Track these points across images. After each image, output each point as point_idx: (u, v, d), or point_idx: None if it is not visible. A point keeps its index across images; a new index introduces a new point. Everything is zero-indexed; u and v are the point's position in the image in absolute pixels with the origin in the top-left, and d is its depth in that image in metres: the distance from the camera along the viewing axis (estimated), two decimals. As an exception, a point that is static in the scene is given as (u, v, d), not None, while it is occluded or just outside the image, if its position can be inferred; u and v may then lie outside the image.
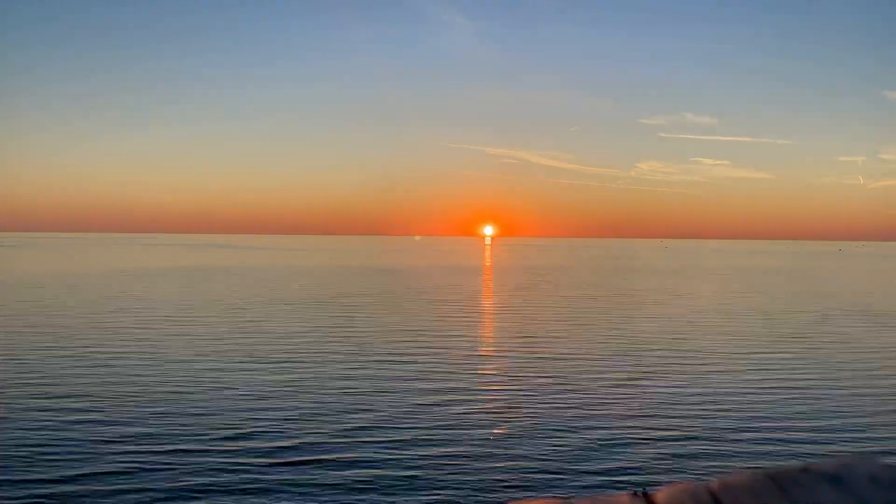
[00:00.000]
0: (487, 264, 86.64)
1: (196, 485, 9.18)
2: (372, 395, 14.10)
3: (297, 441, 11.03)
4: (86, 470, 9.64)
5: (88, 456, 10.19)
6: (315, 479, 9.49)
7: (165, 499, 8.76)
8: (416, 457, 10.41)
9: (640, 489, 0.75)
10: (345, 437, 11.34)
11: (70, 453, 10.29)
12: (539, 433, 11.68)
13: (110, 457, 10.15)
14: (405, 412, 12.88)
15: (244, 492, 9.02)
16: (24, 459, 10.00)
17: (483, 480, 9.54)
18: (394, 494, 9.04)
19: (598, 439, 11.37)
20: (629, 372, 16.90)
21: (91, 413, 12.46)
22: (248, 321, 25.72)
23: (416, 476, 9.65)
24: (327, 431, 11.58)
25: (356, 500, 8.87)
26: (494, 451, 10.76)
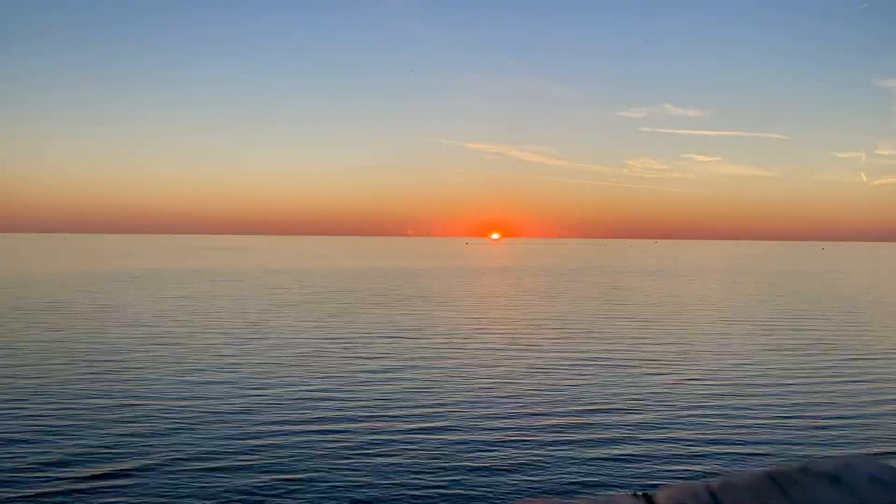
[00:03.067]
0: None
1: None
2: (372, 396, 14.08)
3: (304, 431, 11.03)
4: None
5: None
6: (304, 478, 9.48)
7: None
8: (416, 458, 10.41)
9: (641, 490, 0.75)
10: (345, 438, 11.33)
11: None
12: (539, 434, 11.67)
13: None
14: (405, 412, 12.87)
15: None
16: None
17: (484, 481, 9.54)
18: (392, 495, 9.03)
19: (599, 440, 11.37)
20: (627, 372, 16.90)
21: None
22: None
23: (415, 476, 9.64)
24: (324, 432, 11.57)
25: (350, 499, 8.87)
26: (495, 451, 10.75)
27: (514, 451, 10.80)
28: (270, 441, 11.07)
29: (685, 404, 13.79)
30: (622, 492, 0.80)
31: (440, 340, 21.92)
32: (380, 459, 10.30)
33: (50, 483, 9.27)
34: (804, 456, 10.81)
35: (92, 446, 10.70)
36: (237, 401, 13.59)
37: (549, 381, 15.77)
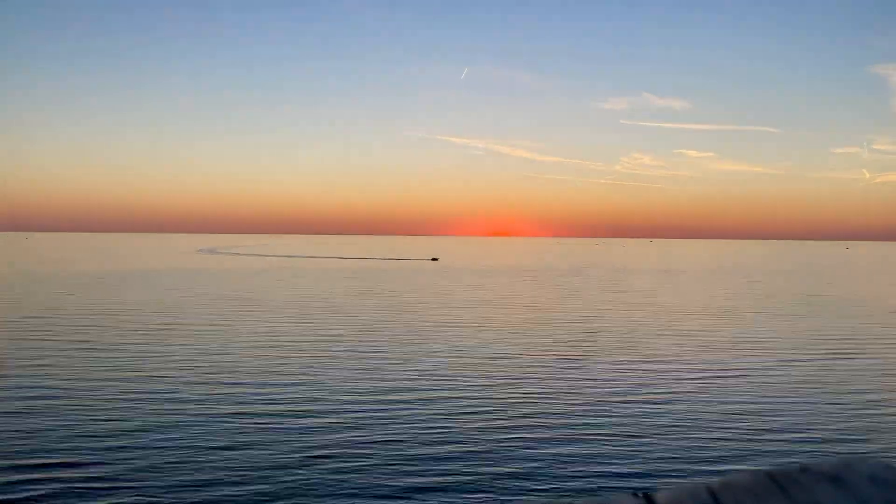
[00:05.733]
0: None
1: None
2: (365, 394, 14.06)
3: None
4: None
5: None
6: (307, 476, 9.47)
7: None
8: (418, 458, 10.40)
9: (641, 490, 0.75)
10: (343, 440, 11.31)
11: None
12: (540, 435, 11.67)
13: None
14: (405, 413, 12.87)
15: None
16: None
17: (485, 481, 9.53)
18: (393, 495, 9.02)
19: (600, 441, 11.36)
20: (627, 374, 16.89)
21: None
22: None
23: (418, 476, 9.64)
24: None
25: (355, 498, 8.86)
26: (497, 452, 10.75)
27: (516, 451, 10.79)
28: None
29: (686, 404, 13.78)
30: (623, 492, 0.80)
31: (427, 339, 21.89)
32: (356, 435, 10.28)
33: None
34: (803, 455, 10.82)
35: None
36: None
37: (546, 379, 15.76)
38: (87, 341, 21.33)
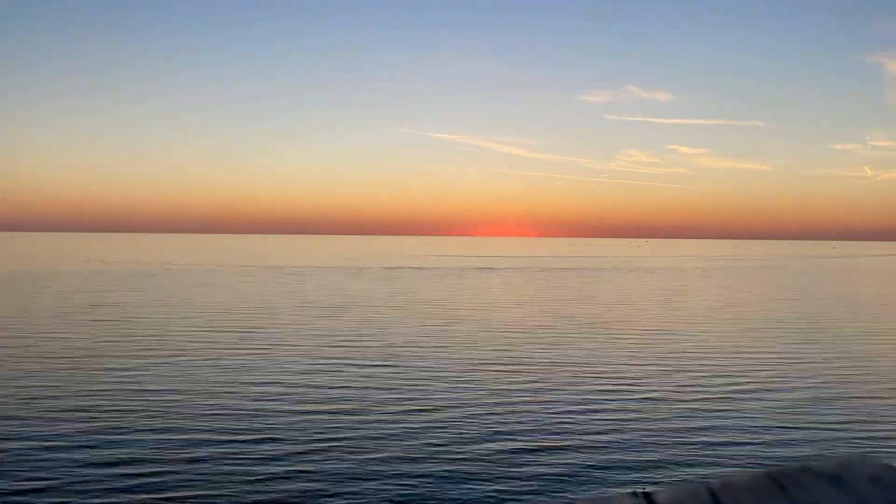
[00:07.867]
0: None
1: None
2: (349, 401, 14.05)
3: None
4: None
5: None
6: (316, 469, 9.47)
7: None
8: (417, 459, 10.39)
9: (641, 489, 0.75)
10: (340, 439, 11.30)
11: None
12: (540, 435, 11.65)
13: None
14: (401, 414, 12.85)
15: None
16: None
17: (485, 482, 9.52)
18: (392, 495, 9.02)
19: (599, 440, 11.35)
20: (626, 373, 16.88)
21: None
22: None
23: (416, 481, 9.63)
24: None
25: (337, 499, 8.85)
26: (495, 452, 10.74)
27: (516, 451, 10.78)
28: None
29: (686, 403, 13.77)
30: (622, 491, 0.80)
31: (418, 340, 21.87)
32: (365, 459, 10.27)
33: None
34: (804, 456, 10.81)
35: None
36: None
37: (545, 380, 15.75)
38: None
